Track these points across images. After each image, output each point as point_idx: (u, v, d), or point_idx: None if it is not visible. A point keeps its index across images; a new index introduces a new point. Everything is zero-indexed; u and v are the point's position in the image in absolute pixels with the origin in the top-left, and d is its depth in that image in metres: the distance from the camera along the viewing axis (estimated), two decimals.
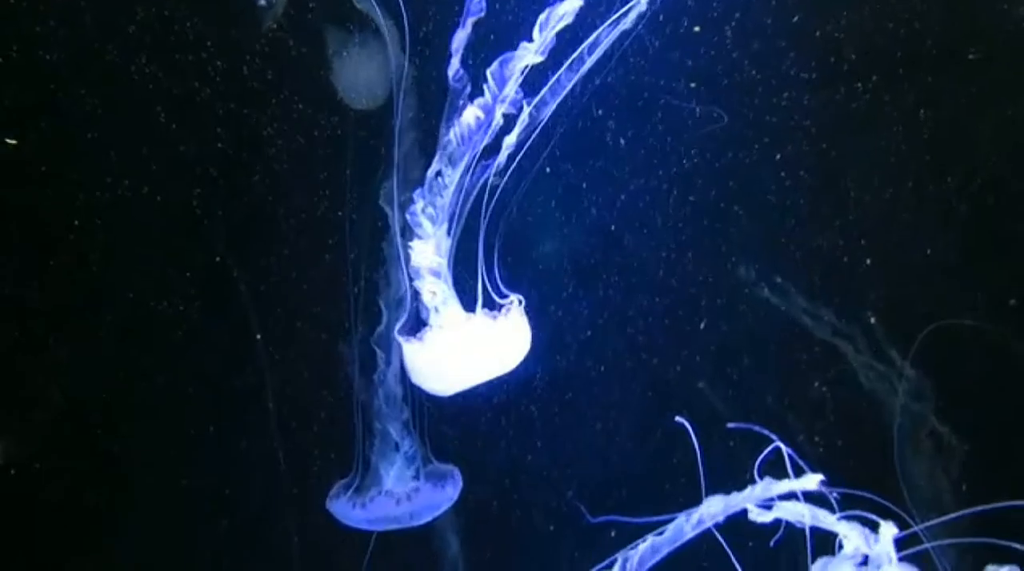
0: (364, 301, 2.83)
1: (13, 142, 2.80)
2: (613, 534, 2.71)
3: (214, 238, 2.91)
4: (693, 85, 2.72)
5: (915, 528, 1.99)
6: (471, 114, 2.31)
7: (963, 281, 2.78)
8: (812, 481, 2.17)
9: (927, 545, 2.04)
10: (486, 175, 2.44)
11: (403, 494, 2.90)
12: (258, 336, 2.95)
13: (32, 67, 2.73)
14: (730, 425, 2.48)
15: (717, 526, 2.27)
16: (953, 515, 2.16)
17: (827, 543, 2.20)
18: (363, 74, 2.70)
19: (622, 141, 2.80)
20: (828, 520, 2.02)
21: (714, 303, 2.88)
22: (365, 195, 2.72)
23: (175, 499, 3.07)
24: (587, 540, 2.80)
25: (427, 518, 2.92)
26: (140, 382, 3.02)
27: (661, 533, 2.29)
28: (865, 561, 2.06)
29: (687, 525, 2.24)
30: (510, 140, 2.36)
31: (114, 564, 3.10)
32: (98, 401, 3.03)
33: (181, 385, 3.02)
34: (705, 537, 2.32)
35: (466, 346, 2.46)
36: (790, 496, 2.17)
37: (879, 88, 2.74)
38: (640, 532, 2.36)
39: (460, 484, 2.94)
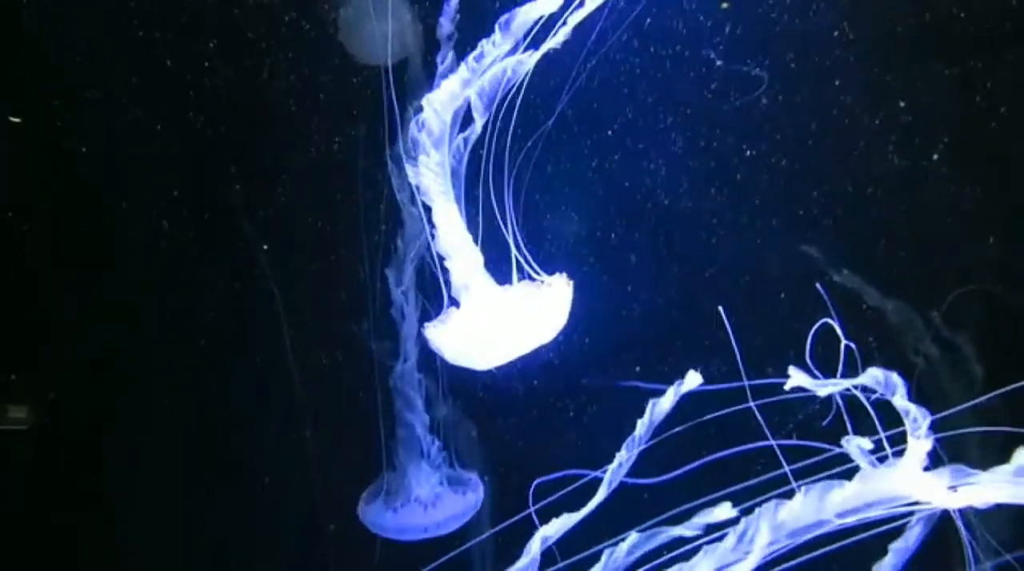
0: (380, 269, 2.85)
1: (17, 120, 2.77)
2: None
3: (222, 161, 2.90)
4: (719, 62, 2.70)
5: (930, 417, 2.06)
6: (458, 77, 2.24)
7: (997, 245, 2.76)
8: (693, 380, 2.20)
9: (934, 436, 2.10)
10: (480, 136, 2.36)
11: (430, 507, 2.92)
12: (264, 246, 2.95)
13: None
14: (818, 285, 2.45)
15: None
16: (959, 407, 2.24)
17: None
18: (363, 33, 2.63)
19: (647, 99, 2.78)
20: (900, 395, 1.99)
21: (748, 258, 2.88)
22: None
23: (183, 420, 3.11)
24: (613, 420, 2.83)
25: (453, 527, 2.93)
26: (147, 309, 3.03)
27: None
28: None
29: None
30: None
31: (126, 487, 3.15)
32: (103, 336, 3.04)
33: (188, 303, 3.02)
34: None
35: (499, 320, 2.33)
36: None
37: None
38: None
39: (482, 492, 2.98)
